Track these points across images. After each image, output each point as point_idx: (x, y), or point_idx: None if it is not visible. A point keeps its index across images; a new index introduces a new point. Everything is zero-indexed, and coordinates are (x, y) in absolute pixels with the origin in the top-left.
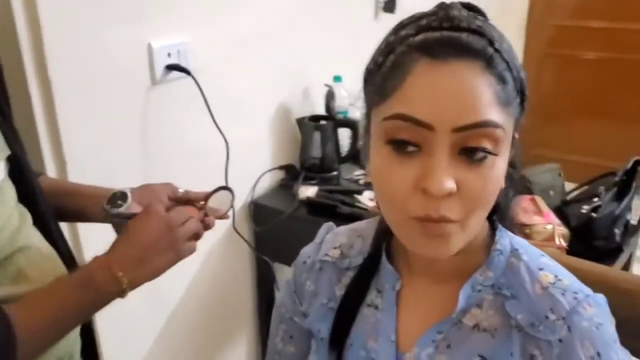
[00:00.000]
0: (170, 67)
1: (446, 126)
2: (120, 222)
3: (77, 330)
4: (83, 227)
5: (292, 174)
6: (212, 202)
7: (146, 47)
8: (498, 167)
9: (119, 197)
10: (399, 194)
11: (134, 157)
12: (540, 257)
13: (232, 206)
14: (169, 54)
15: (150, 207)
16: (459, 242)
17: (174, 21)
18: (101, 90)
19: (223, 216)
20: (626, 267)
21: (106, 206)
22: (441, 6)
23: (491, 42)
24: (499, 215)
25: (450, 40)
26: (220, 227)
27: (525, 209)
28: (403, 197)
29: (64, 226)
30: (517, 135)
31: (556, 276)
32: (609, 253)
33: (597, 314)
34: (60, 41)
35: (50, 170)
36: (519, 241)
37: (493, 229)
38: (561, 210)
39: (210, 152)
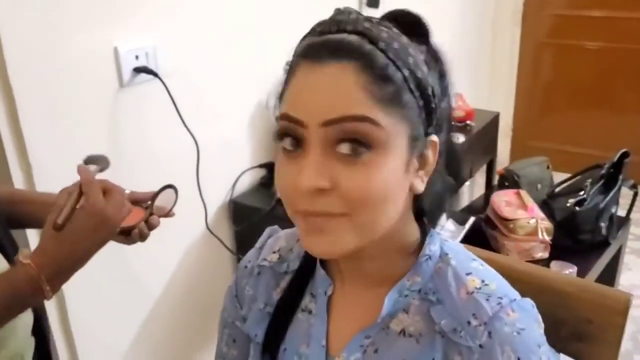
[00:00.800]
0: (138, 70)
1: (314, 121)
2: None
3: (27, 330)
4: None
5: (272, 172)
6: (159, 201)
7: (112, 50)
8: (380, 164)
9: None
10: (285, 190)
11: None
12: (470, 261)
13: (175, 204)
14: (136, 57)
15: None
16: (349, 239)
17: (141, 23)
18: (67, 94)
19: (167, 214)
20: (615, 259)
21: None
22: (335, 12)
23: (373, 42)
24: (429, 220)
25: (327, 43)
26: (196, 228)
27: (509, 202)
28: (289, 194)
29: None
30: (434, 139)
31: (483, 281)
32: (595, 246)
33: (520, 319)
34: (21, 46)
35: (16, 175)
36: (452, 246)
37: (425, 235)
38: (547, 204)
39: (181, 154)
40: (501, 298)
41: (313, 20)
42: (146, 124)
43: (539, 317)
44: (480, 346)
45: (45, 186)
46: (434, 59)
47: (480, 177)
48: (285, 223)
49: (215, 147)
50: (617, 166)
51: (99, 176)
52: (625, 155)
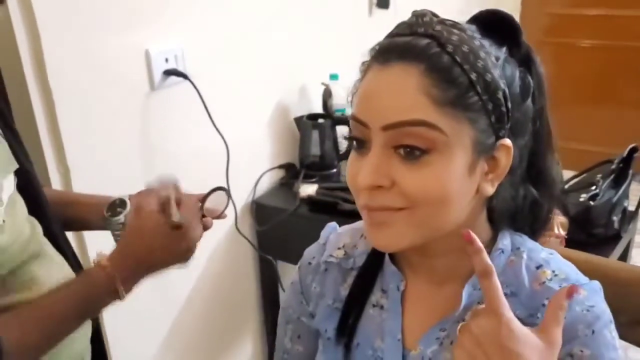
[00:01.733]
0: (168, 72)
1: (377, 124)
2: (119, 230)
3: (87, 338)
4: (88, 233)
5: (291, 173)
6: (209, 203)
7: (144, 52)
8: (439, 166)
9: (118, 204)
10: (350, 186)
11: (135, 162)
12: (540, 252)
13: (228, 206)
14: (166, 59)
15: (140, 207)
16: (410, 233)
17: (170, 26)
18: (101, 97)
19: (220, 216)
20: (625, 253)
21: (106, 214)
22: (411, 14)
23: (442, 45)
24: (506, 221)
25: (395, 45)
26: (223, 228)
27: None
28: (353, 190)
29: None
30: (506, 143)
31: (553, 271)
32: (607, 240)
33: (588, 297)
34: (59, 50)
35: (55, 178)
36: (523, 241)
37: (496, 232)
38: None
39: (211, 155)
40: (570, 282)
41: (334, 22)
42: (176, 125)
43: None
44: None
45: (81, 188)
46: (520, 60)
47: None
48: (309, 223)
49: (240, 148)
50: (627, 161)
51: None
52: (634, 150)
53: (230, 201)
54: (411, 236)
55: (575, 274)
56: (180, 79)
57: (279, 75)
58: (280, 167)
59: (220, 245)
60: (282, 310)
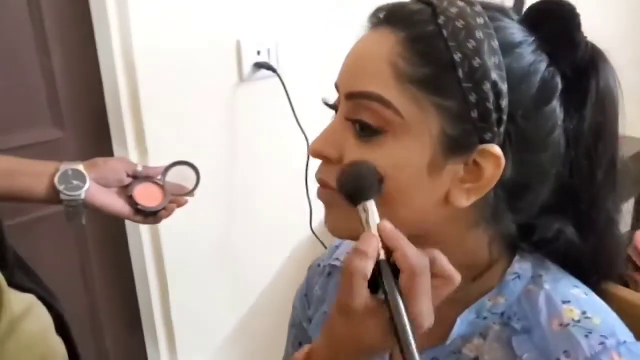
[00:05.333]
0: (258, 65)
1: (342, 91)
2: (75, 208)
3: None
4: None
5: None
6: (173, 178)
7: (235, 43)
8: (388, 151)
9: (71, 175)
10: None
11: (215, 151)
12: (571, 288)
13: (198, 183)
14: (258, 52)
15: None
16: (347, 220)
17: (264, 19)
18: (188, 84)
19: (189, 193)
20: None
21: (59, 186)
22: None
23: (435, 15)
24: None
25: (386, 7)
26: (301, 228)
27: None
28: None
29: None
30: (492, 151)
31: (584, 312)
32: None
33: None
34: (149, 33)
35: (133, 158)
36: (549, 267)
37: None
38: None
39: (291, 152)
40: (606, 337)
41: None
42: (261, 119)
43: None
44: None
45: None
46: (573, 63)
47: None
48: None
49: None
50: None
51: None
52: None
53: (199, 179)
54: (354, 226)
55: (614, 325)
56: (270, 72)
57: None
58: None
59: (294, 246)
60: (292, 312)
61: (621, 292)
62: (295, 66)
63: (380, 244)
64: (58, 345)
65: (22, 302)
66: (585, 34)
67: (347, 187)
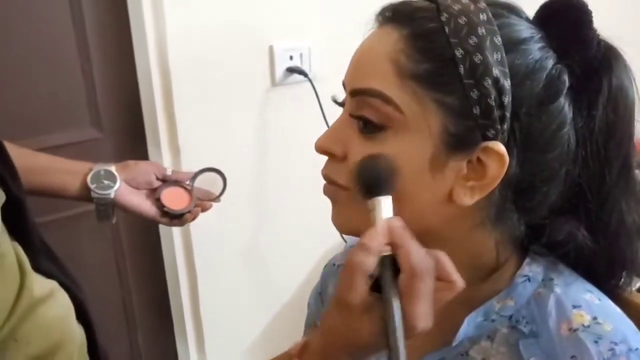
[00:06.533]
0: (291, 70)
1: (347, 89)
2: (105, 207)
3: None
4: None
5: None
6: (201, 183)
7: (268, 48)
8: (390, 147)
9: (103, 175)
10: None
11: (248, 153)
12: (583, 292)
13: (224, 189)
14: (290, 57)
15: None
16: (351, 215)
17: (297, 25)
18: (221, 86)
19: (215, 199)
20: None
21: (91, 185)
22: None
23: (438, 11)
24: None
25: (392, 5)
26: (330, 235)
27: None
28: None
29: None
30: (496, 148)
31: (595, 318)
32: None
33: None
34: (183, 38)
35: (166, 156)
36: (562, 271)
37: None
38: None
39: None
40: (616, 344)
41: None
42: (292, 123)
43: None
44: None
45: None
46: (584, 62)
47: None
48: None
49: None
50: None
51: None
52: None
53: (225, 185)
54: (360, 222)
55: (626, 331)
56: (301, 77)
57: None
58: None
59: (323, 251)
60: (307, 310)
61: (638, 298)
62: (326, 71)
63: (386, 240)
64: (76, 332)
65: (45, 287)
66: (598, 32)
67: (363, 180)
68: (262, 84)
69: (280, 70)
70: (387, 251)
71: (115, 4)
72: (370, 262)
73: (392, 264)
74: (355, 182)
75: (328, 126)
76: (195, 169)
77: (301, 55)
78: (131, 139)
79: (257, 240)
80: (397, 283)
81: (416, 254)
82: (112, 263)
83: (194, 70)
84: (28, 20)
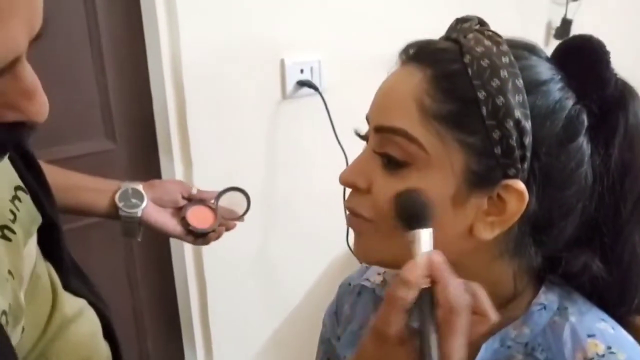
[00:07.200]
0: (302, 83)
1: (372, 124)
2: (131, 224)
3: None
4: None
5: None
6: (225, 202)
7: (279, 62)
8: (415, 183)
9: (131, 194)
10: None
11: (258, 164)
12: (598, 321)
13: (248, 209)
14: (301, 70)
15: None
16: (376, 247)
17: (308, 39)
18: (233, 99)
19: (239, 219)
20: None
21: (119, 203)
22: (455, 19)
23: (461, 53)
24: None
25: (415, 44)
26: (337, 244)
27: None
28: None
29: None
30: (516, 186)
31: (609, 348)
32: None
33: None
34: (196, 51)
35: (178, 169)
36: (577, 300)
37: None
38: None
39: (331, 168)
40: None
41: None
42: (302, 135)
43: None
44: None
45: (202, 183)
46: (601, 100)
47: None
48: None
49: None
50: None
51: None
52: None
53: (249, 205)
54: (383, 253)
55: None
56: (312, 90)
57: None
58: None
59: (330, 260)
60: (322, 328)
61: None
62: (336, 85)
63: (426, 273)
64: (103, 349)
65: (75, 306)
66: (615, 71)
67: (404, 212)
68: (273, 97)
69: (291, 83)
70: (426, 284)
71: (131, 18)
72: (410, 298)
73: (430, 297)
74: (396, 214)
75: (337, 139)
76: (207, 181)
77: (312, 68)
78: (144, 150)
79: (265, 249)
80: (434, 316)
81: (455, 289)
82: (122, 271)
83: (206, 84)
84: (46, 34)
